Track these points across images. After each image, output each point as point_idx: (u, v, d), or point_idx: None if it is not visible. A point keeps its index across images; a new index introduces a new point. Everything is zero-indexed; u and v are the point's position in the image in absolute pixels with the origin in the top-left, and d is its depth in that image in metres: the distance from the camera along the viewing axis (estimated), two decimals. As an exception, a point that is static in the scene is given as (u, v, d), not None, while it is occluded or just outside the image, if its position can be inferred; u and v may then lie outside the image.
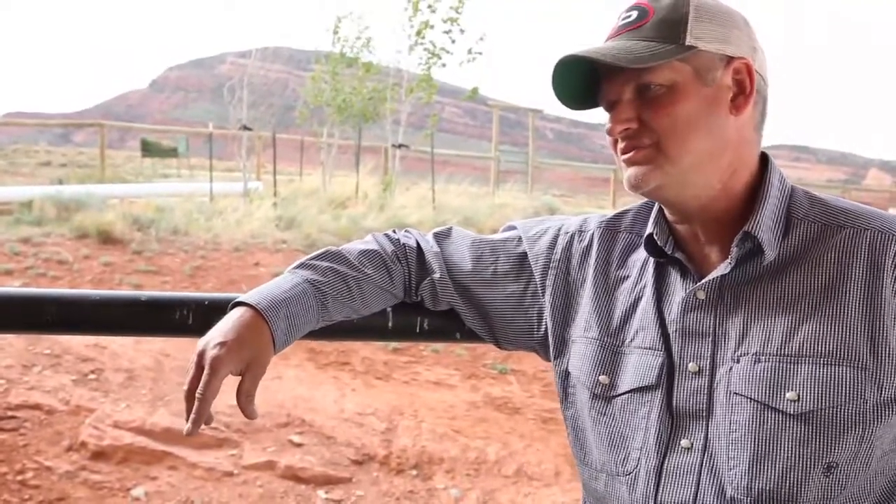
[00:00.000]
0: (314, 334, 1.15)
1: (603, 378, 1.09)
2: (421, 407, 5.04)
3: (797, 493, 0.94)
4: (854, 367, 0.94)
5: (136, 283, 6.70)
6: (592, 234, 1.17)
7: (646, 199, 1.12)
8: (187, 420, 1.00)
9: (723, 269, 1.01)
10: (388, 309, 1.22)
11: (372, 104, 13.26)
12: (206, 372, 1.00)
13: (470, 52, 13.36)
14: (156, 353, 5.17)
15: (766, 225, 1.00)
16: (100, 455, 4.10)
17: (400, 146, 13.51)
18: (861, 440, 0.94)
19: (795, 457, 0.94)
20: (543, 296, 1.18)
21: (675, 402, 1.02)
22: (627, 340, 1.08)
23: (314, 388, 5.08)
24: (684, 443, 1.01)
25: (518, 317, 1.19)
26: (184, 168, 17.14)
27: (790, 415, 0.94)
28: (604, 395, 1.08)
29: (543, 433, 4.87)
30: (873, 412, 0.94)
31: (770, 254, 1.00)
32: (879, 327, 0.94)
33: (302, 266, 1.15)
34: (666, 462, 1.02)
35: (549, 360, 1.18)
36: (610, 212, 1.20)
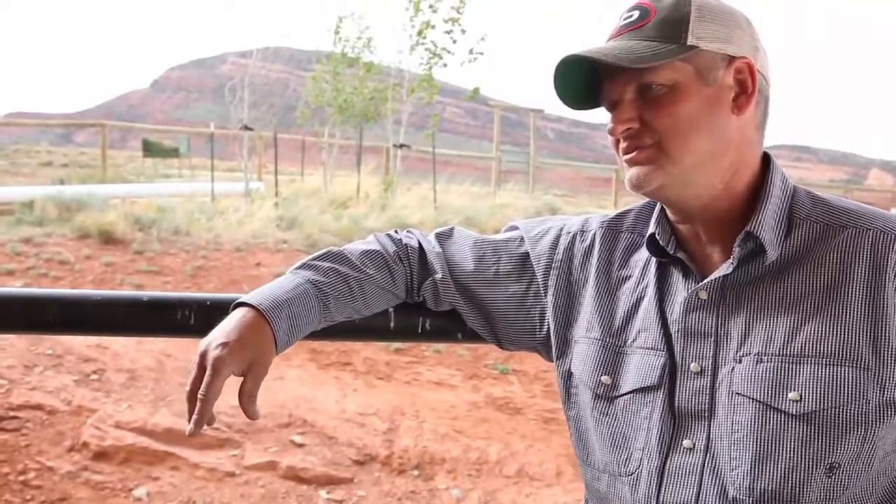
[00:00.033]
0: (316, 335, 1.15)
1: (605, 378, 1.08)
2: (422, 407, 5.04)
3: (799, 493, 0.94)
4: (856, 367, 0.93)
5: (137, 284, 6.71)
6: (594, 234, 1.17)
7: (648, 199, 1.12)
8: (189, 420, 1.00)
9: (725, 269, 1.01)
10: (390, 309, 1.22)
11: (373, 104, 13.27)
12: (208, 372, 1.00)
13: (471, 52, 13.38)
14: (157, 353, 5.18)
15: (768, 225, 0.99)
16: (102, 455, 4.10)
17: (401, 146, 13.53)
18: (863, 441, 0.94)
19: (798, 457, 0.94)
20: (545, 296, 1.17)
21: (677, 402, 1.02)
22: (629, 341, 1.08)
23: (316, 389, 5.08)
24: (686, 443, 1.01)
25: (520, 317, 1.19)
26: (185, 168, 17.16)
27: (792, 415, 0.94)
28: (606, 396, 1.08)
29: (545, 433, 4.87)
30: (876, 413, 0.93)
31: (772, 254, 1.00)
32: (882, 327, 0.94)
33: (304, 266, 1.15)
34: (668, 462, 1.02)
35: (551, 361, 1.18)
36: (612, 212, 1.20)
